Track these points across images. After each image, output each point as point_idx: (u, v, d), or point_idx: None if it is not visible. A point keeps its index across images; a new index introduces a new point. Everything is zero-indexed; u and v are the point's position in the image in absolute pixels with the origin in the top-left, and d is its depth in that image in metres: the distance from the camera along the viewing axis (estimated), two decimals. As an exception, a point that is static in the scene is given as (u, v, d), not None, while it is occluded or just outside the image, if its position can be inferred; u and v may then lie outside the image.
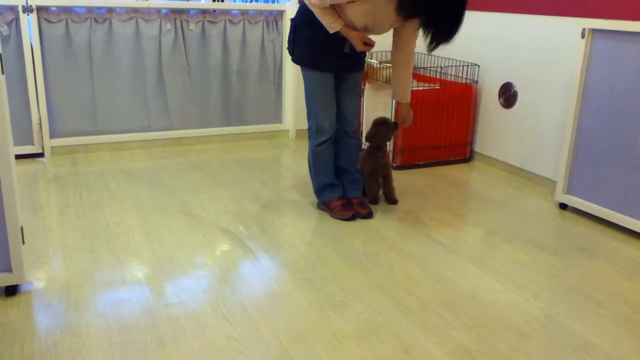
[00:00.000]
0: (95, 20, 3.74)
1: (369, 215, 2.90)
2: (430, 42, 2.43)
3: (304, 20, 2.67)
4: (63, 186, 3.28)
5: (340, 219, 2.86)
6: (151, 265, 2.38)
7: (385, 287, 2.26)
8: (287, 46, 2.87)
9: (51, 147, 3.82)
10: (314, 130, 2.84)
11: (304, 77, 2.81)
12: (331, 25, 2.58)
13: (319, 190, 2.96)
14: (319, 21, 2.59)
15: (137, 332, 1.92)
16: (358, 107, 2.94)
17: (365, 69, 4.19)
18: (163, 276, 2.30)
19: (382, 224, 2.86)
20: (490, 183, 3.55)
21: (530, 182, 3.56)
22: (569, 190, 3.07)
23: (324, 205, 2.95)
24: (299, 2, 2.79)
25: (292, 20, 2.77)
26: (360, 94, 2.98)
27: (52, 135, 3.82)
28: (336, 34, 2.61)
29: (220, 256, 2.48)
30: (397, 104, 3.01)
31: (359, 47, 2.64)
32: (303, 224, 2.84)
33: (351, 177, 2.98)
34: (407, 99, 2.90)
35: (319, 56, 2.71)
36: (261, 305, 2.10)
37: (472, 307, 2.13)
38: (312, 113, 2.82)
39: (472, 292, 2.24)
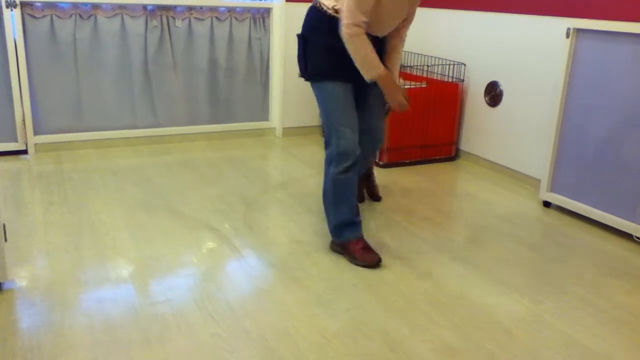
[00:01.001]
0: (81, 16, 3.71)
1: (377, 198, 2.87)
2: None
3: (315, 28, 2.38)
4: (47, 184, 3.24)
5: (365, 266, 2.41)
6: (136, 264, 2.36)
7: (371, 285, 2.26)
8: (299, 72, 2.49)
9: (35, 144, 3.78)
10: (334, 154, 2.37)
11: (319, 93, 2.41)
12: (374, 66, 2.26)
13: (336, 229, 2.47)
14: (332, 27, 2.29)
15: (122, 330, 1.90)
16: (384, 122, 2.65)
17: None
18: (148, 274, 2.28)
19: (367, 222, 2.86)
20: (475, 181, 3.57)
21: (515, 181, 3.59)
22: (553, 189, 3.10)
23: (340, 247, 2.48)
24: (308, 15, 2.43)
25: (300, 35, 2.43)
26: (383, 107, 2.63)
27: (36, 132, 3.78)
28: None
29: (207, 254, 2.47)
30: None
31: (401, 102, 2.34)
32: (290, 222, 2.84)
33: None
34: (397, 77, 2.64)
35: (337, 65, 2.33)
36: (247, 304, 2.10)
37: (458, 305, 2.14)
38: (333, 134, 2.36)
39: (458, 290, 2.25)
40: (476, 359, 1.82)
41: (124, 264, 2.36)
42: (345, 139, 2.35)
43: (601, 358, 1.86)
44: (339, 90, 2.37)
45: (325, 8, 2.33)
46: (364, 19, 2.22)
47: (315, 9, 2.38)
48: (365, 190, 3.15)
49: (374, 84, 2.40)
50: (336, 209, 2.44)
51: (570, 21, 2.91)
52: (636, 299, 2.23)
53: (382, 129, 2.64)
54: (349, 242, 2.45)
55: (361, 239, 2.46)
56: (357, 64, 2.28)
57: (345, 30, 2.22)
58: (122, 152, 3.91)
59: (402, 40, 2.57)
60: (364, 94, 2.50)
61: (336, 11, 2.30)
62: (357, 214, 2.47)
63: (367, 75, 2.30)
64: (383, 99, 2.50)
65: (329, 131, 2.39)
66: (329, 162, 2.42)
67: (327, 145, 2.42)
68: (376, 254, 2.42)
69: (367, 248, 2.44)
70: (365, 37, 2.24)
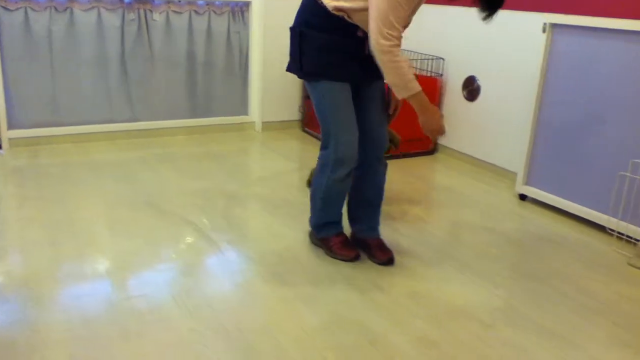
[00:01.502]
0: (56, 9, 3.65)
1: (389, 262, 2.39)
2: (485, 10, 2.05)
3: (311, 23, 2.19)
4: (22, 179, 3.20)
5: (343, 260, 2.41)
6: (114, 259, 2.35)
7: (351, 279, 2.27)
8: (286, 67, 2.33)
9: (9, 139, 3.72)
10: (332, 160, 2.25)
11: (316, 93, 2.25)
12: (410, 84, 2.03)
13: (320, 226, 2.46)
14: (329, 23, 2.14)
15: (100, 326, 1.89)
16: (388, 124, 2.42)
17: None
18: (126, 270, 2.27)
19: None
20: (454, 175, 3.60)
21: (492, 174, 3.63)
22: (528, 182, 3.15)
23: (319, 241, 2.49)
24: (303, 8, 2.24)
25: (293, 28, 2.25)
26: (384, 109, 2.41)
27: (11, 126, 3.72)
28: (354, 35, 2.16)
29: (185, 249, 2.47)
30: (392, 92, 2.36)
31: (438, 128, 2.13)
32: (269, 217, 2.84)
33: (376, 213, 2.45)
34: None
35: (336, 64, 2.18)
36: (226, 299, 2.10)
37: (436, 298, 2.16)
38: (330, 138, 2.23)
39: (436, 282, 2.28)
40: (453, 350, 1.85)
41: (102, 259, 2.34)
42: (345, 145, 2.22)
43: (574, 346, 1.90)
44: (338, 91, 2.21)
45: (324, 4, 2.14)
46: (401, 26, 1.98)
47: (312, 2, 2.17)
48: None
49: (375, 84, 2.30)
50: (323, 210, 2.39)
51: (546, 16, 2.95)
52: (607, 288, 2.28)
53: (384, 132, 2.37)
54: (329, 237, 2.45)
55: (341, 233, 2.46)
56: (390, 80, 2.05)
57: (379, 41, 1.98)
58: (100, 146, 3.87)
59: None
60: (364, 94, 2.30)
61: (337, 9, 2.12)
62: (340, 213, 2.43)
63: (401, 94, 2.07)
64: (385, 100, 2.37)
65: (326, 135, 2.25)
66: (324, 163, 2.29)
67: (323, 148, 2.29)
68: (355, 250, 2.43)
69: (346, 242, 2.45)
70: (400, 49, 2.00)
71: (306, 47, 2.20)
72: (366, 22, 2.08)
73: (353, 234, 2.54)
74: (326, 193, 2.33)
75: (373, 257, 2.42)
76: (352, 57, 2.19)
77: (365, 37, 2.17)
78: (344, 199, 2.39)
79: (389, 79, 2.06)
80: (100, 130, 3.96)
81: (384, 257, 2.40)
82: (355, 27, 2.16)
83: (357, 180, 2.41)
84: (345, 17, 2.13)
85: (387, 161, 2.45)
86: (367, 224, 2.47)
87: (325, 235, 2.45)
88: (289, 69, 2.32)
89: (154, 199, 2.99)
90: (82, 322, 1.91)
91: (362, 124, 2.31)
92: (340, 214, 2.43)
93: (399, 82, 2.04)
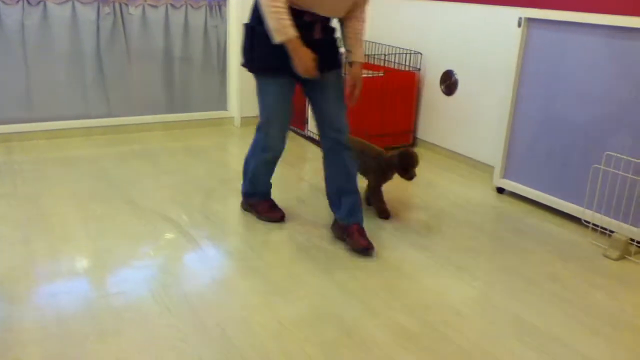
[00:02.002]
0: (29, 2, 3.59)
1: (364, 251, 2.42)
2: None
3: (262, 18, 2.26)
4: (-4, 176, 3.15)
5: (269, 221, 2.69)
6: (90, 256, 2.32)
7: (329, 272, 2.28)
8: (241, 63, 2.47)
9: (-17, 136, 3.66)
10: (261, 145, 2.54)
11: (260, 87, 2.44)
12: (285, 28, 2.17)
13: (247, 193, 2.76)
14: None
15: (75, 324, 1.87)
16: (347, 111, 2.51)
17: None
18: (103, 267, 2.24)
19: (325, 210, 2.88)
20: (432, 169, 3.63)
21: (470, 168, 3.66)
22: (506, 175, 3.18)
23: (249, 206, 2.77)
24: (256, 6, 2.35)
25: (247, 24, 2.38)
26: (344, 96, 2.50)
27: (-16, 123, 3.65)
28: (302, 20, 2.25)
29: (163, 246, 2.45)
30: (353, 68, 2.47)
31: (308, 66, 2.23)
32: (248, 212, 2.83)
33: (351, 199, 2.50)
34: (363, 57, 2.50)
35: (284, 60, 2.25)
36: (204, 294, 2.09)
37: (413, 290, 2.18)
38: (264, 126, 2.49)
39: (413, 275, 2.29)
40: (430, 341, 1.87)
41: (78, 256, 2.32)
42: (272, 137, 2.51)
43: (546, 334, 1.93)
44: (280, 87, 2.41)
45: None
46: None
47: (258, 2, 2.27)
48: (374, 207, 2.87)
49: (330, 73, 2.41)
50: (252, 181, 2.70)
51: (522, 11, 2.98)
52: (580, 278, 2.32)
53: (342, 119, 2.47)
54: (258, 202, 2.75)
55: (269, 199, 2.76)
56: (270, 25, 2.20)
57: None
58: (76, 142, 3.82)
59: (361, 21, 2.43)
60: (320, 83, 2.42)
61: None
62: (268, 184, 2.72)
63: (277, 38, 2.20)
64: (342, 90, 2.47)
65: (261, 121, 2.51)
66: (256, 145, 2.59)
67: (258, 130, 2.57)
68: (279, 212, 2.72)
69: (273, 206, 2.74)
70: (283, 4, 2.17)
71: (258, 44, 2.34)
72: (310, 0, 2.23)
73: (335, 221, 2.57)
74: (255, 171, 2.65)
75: (351, 244, 2.45)
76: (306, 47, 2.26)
77: (313, 21, 2.30)
78: (271, 175, 2.70)
79: (268, 23, 2.21)
80: (75, 126, 3.91)
81: (359, 245, 2.42)
82: (302, 12, 2.26)
83: (327, 168, 2.54)
84: (292, 3, 2.23)
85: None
86: (346, 210, 2.50)
87: (253, 200, 2.76)
88: (244, 65, 2.46)
89: (131, 196, 2.96)
90: (57, 321, 1.89)
91: (320, 112, 2.47)
92: (267, 186, 2.74)
93: (278, 26, 2.19)
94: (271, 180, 2.74)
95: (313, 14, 2.29)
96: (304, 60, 2.24)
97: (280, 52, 2.25)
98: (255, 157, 2.61)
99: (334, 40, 2.45)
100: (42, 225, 2.58)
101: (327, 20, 2.39)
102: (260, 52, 2.34)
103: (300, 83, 2.46)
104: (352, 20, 2.43)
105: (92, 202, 2.84)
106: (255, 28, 2.33)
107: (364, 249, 2.41)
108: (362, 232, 2.47)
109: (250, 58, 2.40)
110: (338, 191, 2.52)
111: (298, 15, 2.25)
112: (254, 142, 2.62)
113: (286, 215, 2.75)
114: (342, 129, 2.47)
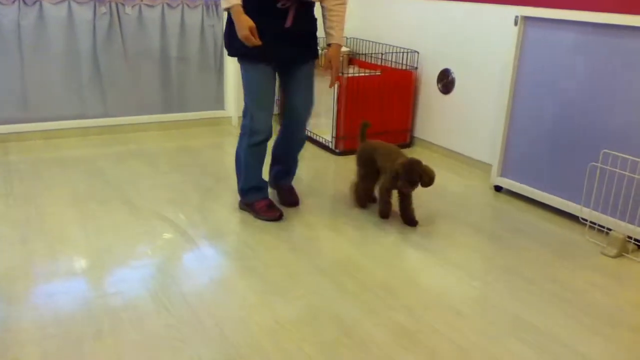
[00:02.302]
0: (25, 2, 3.57)
1: (294, 204, 2.86)
2: None
3: (243, 7, 2.34)
4: (-8, 176, 3.13)
5: (267, 220, 2.69)
6: (87, 256, 2.31)
7: (327, 271, 2.28)
8: (223, 41, 2.63)
9: (-21, 136, 3.64)
10: (247, 129, 2.59)
11: (243, 72, 2.55)
12: None
13: (244, 191, 2.75)
14: (259, 7, 2.36)
15: (73, 324, 1.87)
16: (312, 104, 2.70)
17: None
18: (100, 267, 2.24)
19: (324, 209, 2.88)
20: (430, 168, 3.62)
21: (467, 166, 3.66)
22: (503, 173, 3.18)
23: (246, 206, 2.77)
24: None
25: (228, 9, 2.41)
26: (314, 89, 2.69)
27: (-20, 123, 3.64)
28: (275, 6, 2.37)
29: (161, 245, 2.44)
30: (330, 49, 2.61)
31: (245, 34, 2.29)
32: (245, 211, 2.82)
33: (287, 168, 2.89)
34: (342, 39, 2.63)
35: (261, 46, 2.36)
36: (202, 294, 2.09)
37: (411, 289, 2.18)
38: (248, 112, 2.57)
39: (411, 274, 2.29)
40: (428, 340, 1.87)
41: (75, 256, 2.31)
42: (259, 120, 2.55)
43: (544, 333, 1.93)
44: (260, 73, 2.50)
45: None
46: None
47: None
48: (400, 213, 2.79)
49: (303, 67, 2.58)
50: (245, 175, 2.70)
51: (518, 9, 2.98)
52: (578, 277, 2.32)
53: (306, 112, 2.68)
54: (255, 201, 2.73)
55: (266, 198, 2.76)
56: None
57: None
58: (72, 142, 3.81)
59: (341, 3, 2.54)
60: (292, 75, 2.59)
61: None
62: (262, 179, 2.75)
63: (223, 5, 2.33)
64: (312, 84, 2.65)
65: (245, 107, 2.58)
66: (244, 133, 2.63)
67: (243, 116, 2.62)
68: (278, 211, 2.72)
69: (271, 206, 2.73)
70: None
71: (235, 29, 2.37)
72: None
73: (271, 179, 2.94)
74: (246, 158, 2.65)
75: (280, 199, 2.87)
76: (277, 36, 2.41)
77: (286, 8, 2.40)
78: (261, 165, 2.71)
79: None
80: (71, 126, 3.90)
81: (293, 199, 2.86)
82: None
83: (278, 143, 2.83)
84: None
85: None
86: (281, 174, 2.88)
87: (250, 199, 2.74)
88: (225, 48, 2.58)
89: (128, 195, 2.95)
90: (55, 321, 1.88)
91: (288, 101, 2.66)
92: (262, 181, 2.75)
93: None
94: (265, 178, 2.79)
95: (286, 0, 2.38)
96: (240, 28, 2.31)
97: (259, 39, 2.35)
98: (244, 145, 2.63)
99: (311, 32, 2.55)
100: (39, 225, 2.57)
101: (304, 8, 2.44)
102: (237, 37, 2.37)
103: (277, 71, 2.60)
104: (332, 2, 2.54)
105: (89, 202, 2.84)
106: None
107: (292, 203, 2.85)
108: (291, 190, 2.90)
109: (228, 42, 2.51)
110: (276, 158, 2.88)
111: (271, 2, 2.37)
112: (241, 131, 2.65)
113: (284, 215, 2.74)
114: (302, 119, 2.69)
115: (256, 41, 2.33)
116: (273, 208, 2.73)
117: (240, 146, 2.68)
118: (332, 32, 2.57)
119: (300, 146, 2.82)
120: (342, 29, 2.60)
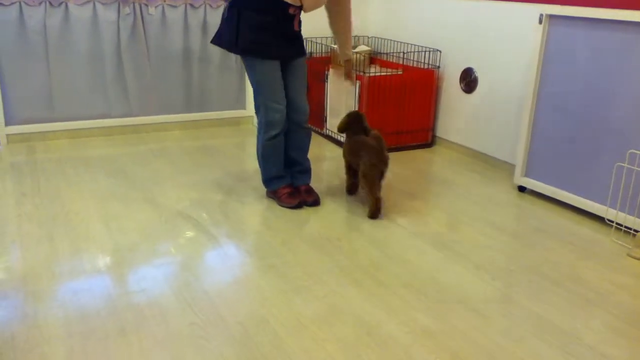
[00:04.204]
0: (51, 3, 3.63)
1: (315, 203, 2.87)
2: None
3: (249, 3, 2.52)
4: (19, 175, 3.19)
5: (287, 207, 2.83)
6: (112, 254, 2.34)
7: (347, 270, 2.28)
8: (212, 40, 2.72)
9: (7, 135, 3.71)
10: (263, 124, 2.71)
11: (249, 68, 2.66)
12: None
13: (267, 181, 2.91)
14: (267, 4, 2.50)
15: (98, 321, 1.89)
16: (307, 95, 2.86)
17: (329, 54, 4.20)
18: (124, 265, 2.26)
19: (344, 208, 2.88)
20: (451, 167, 3.60)
21: (490, 166, 3.63)
22: (527, 173, 3.15)
23: (272, 194, 2.91)
24: None
25: (232, 7, 2.55)
26: (307, 81, 2.87)
27: (8, 122, 3.71)
28: (285, 14, 2.54)
29: (183, 244, 2.46)
30: (346, 64, 3.00)
31: None
32: (266, 210, 2.84)
33: (301, 167, 2.94)
34: (351, 54, 2.99)
35: (266, 42, 2.56)
36: (224, 292, 2.10)
37: (433, 289, 2.17)
38: (261, 107, 2.69)
39: (433, 274, 2.28)
40: (450, 340, 1.85)
41: (99, 254, 2.34)
42: (274, 112, 2.67)
43: (569, 335, 1.90)
44: (268, 68, 2.61)
45: None
46: None
47: None
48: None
49: (297, 61, 2.71)
50: (265, 166, 2.84)
51: (542, 7, 2.94)
52: (604, 279, 2.28)
53: (304, 101, 2.80)
54: (277, 189, 2.87)
55: (289, 185, 2.88)
56: None
57: None
58: (96, 142, 3.86)
59: (347, 18, 2.80)
60: (289, 70, 2.71)
61: None
62: (282, 169, 2.87)
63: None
64: (305, 76, 2.79)
65: (258, 103, 2.70)
66: (259, 128, 2.76)
67: (256, 112, 2.74)
68: (297, 199, 2.83)
69: (292, 193, 2.85)
70: None
71: (242, 26, 2.53)
72: None
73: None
74: (263, 151, 2.79)
75: (304, 201, 2.87)
76: (282, 35, 2.59)
77: (295, 14, 2.58)
78: (281, 155, 2.83)
79: None
80: (96, 126, 3.95)
81: (310, 198, 2.87)
82: (287, 5, 2.52)
83: (285, 143, 2.84)
84: None
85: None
86: (297, 176, 2.92)
87: (274, 187, 2.89)
88: (218, 43, 2.68)
89: (150, 194, 2.98)
90: (81, 318, 1.91)
91: (289, 95, 2.73)
92: (282, 169, 2.87)
93: None
94: (285, 167, 2.90)
95: (295, 7, 2.55)
96: None
97: (264, 37, 2.54)
98: (262, 141, 2.75)
99: (300, 33, 2.75)
100: (65, 223, 2.61)
101: (300, 13, 2.65)
102: (246, 32, 2.53)
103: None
104: (338, 16, 2.78)
105: (112, 201, 2.87)
106: (241, 10, 2.52)
107: (313, 203, 2.86)
108: (309, 190, 2.92)
109: (235, 38, 2.56)
110: (289, 161, 2.90)
111: (284, 9, 2.53)
112: (258, 126, 2.78)
113: (305, 213, 2.75)
114: (302, 110, 2.79)
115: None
116: (293, 195, 2.85)
117: (258, 141, 2.81)
118: (344, 49, 2.92)
119: (308, 137, 2.90)
120: (351, 43, 2.93)
